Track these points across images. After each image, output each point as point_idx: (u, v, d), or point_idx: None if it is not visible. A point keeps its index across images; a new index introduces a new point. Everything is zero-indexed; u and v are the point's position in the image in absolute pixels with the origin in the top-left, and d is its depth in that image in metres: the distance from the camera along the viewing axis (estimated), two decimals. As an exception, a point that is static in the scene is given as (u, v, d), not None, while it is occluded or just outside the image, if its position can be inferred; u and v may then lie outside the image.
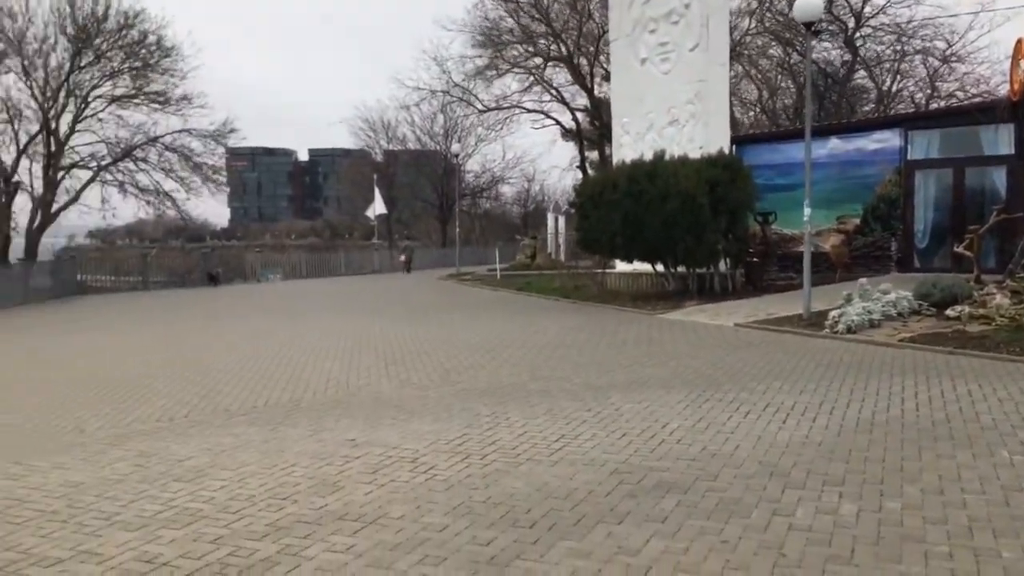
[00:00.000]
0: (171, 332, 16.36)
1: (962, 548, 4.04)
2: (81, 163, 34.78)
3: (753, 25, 34.71)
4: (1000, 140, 18.65)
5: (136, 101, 34.79)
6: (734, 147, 20.69)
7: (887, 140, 20.17)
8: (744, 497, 4.83)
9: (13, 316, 22.43)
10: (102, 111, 34.54)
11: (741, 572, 3.83)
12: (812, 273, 13.55)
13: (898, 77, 34.97)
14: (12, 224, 33.01)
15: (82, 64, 33.25)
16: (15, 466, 6.26)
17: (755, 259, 18.34)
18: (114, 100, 34.49)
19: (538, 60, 41.21)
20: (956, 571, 3.79)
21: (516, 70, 41.71)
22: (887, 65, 34.63)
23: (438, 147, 56.51)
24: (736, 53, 31.45)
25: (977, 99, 27.86)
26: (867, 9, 32.74)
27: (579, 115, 43.60)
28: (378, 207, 43.82)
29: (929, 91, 33.67)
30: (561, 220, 37.13)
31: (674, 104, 18.71)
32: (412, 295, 23.50)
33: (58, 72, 33.01)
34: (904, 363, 9.28)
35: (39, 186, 33.45)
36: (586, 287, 19.92)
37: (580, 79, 40.51)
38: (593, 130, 42.14)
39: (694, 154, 17.16)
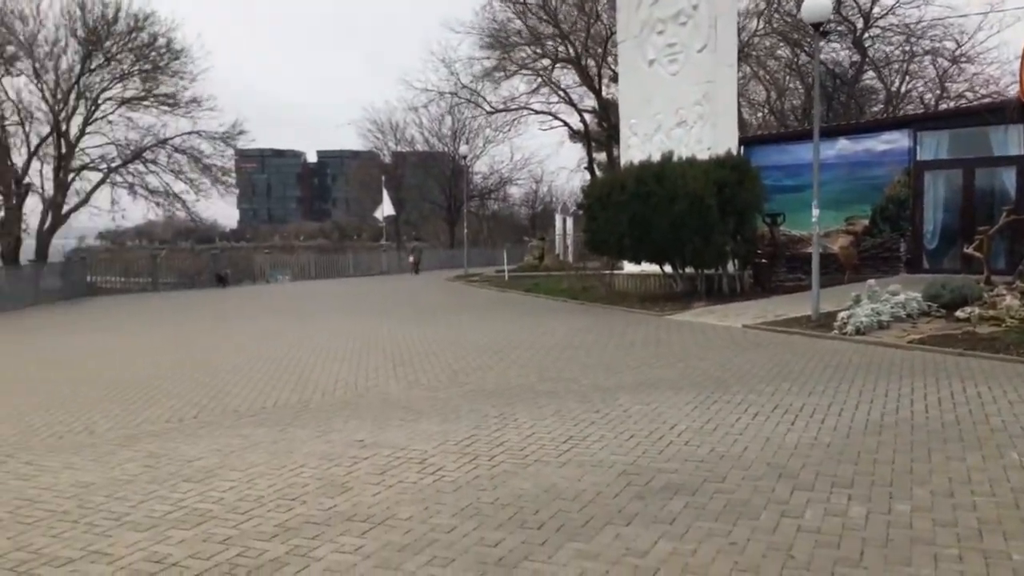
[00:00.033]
0: (180, 333, 16.42)
1: (972, 550, 4.02)
2: (91, 165, 34.90)
3: (761, 26, 34.66)
4: (1010, 141, 18.56)
5: (146, 103, 34.87)
6: (742, 148, 20.65)
7: (896, 141, 20.10)
8: (752, 499, 4.83)
9: (24, 317, 22.54)
10: (112, 113, 34.66)
11: (750, 574, 3.83)
12: (821, 274, 13.51)
13: (907, 78, 34.82)
14: (23, 226, 33.14)
15: (92, 67, 33.37)
16: (26, 466, 6.30)
17: (763, 260, 18.30)
18: (124, 102, 34.59)
19: (546, 62, 41.25)
20: (966, 574, 3.78)
21: (524, 72, 41.77)
22: (896, 66, 34.49)
23: (446, 148, 56.59)
24: (744, 54, 31.40)
25: (987, 100, 27.75)
26: (876, 10, 32.64)
27: (587, 116, 43.65)
28: (386, 208, 43.90)
29: (938, 92, 33.52)
30: (569, 221, 37.08)
31: (682, 105, 18.70)
32: (420, 296, 23.53)
33: (68, 75, 33.14)
34: (913, 365, 9.25)
35: (50, 188, 33.57)
36: (594, 288, 19.90)
37: (588, 80, 40.51)
38: (601, 131, 42.15)
39: (702, 155, 17.14)
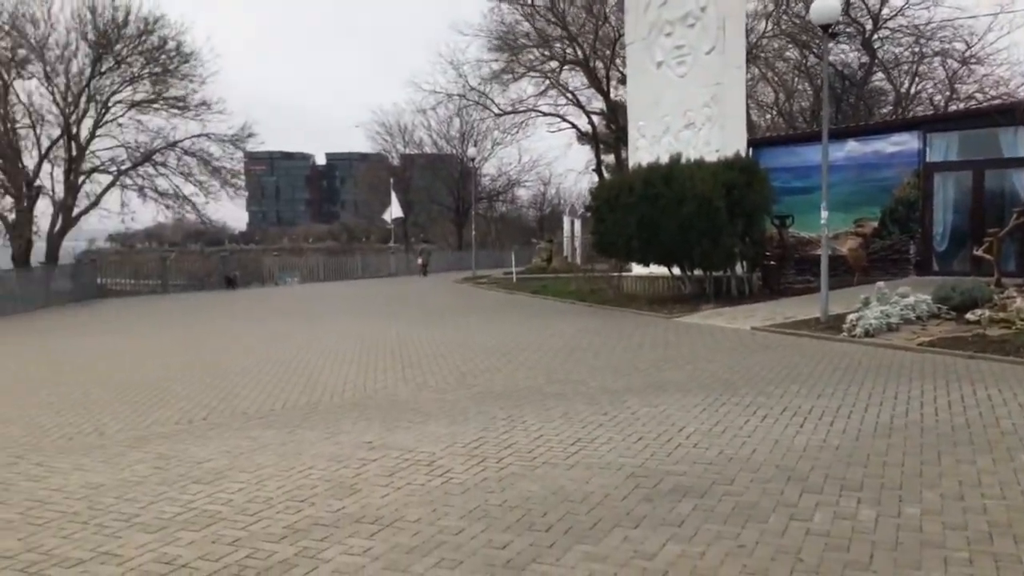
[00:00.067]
0: (190, 335, 16.49)
1: (982, 554, 4.01)
2: (101, 168, 35.06)
3: (770, 28, 34.60)
4: (1020, 142, 18.46)
5: (156, 106, 35.02)
6: (751, 150, 20.60)
7: (905, 142, 20.03)
8: (761, 501, 4.82)
9: (35, 319, 22.66)
10: (122, 116, 34.81)
11: (758, 577, 3.82)
12: (829, 276, 13.48)
13: (916, 79, 34.68)
14: (34, 228, 33.32)
15: (103, 70, 33.53)
16: (36, 468, 6.33)
17: (772, 262, 18.26)
18: (134, 105, 34.74)
19: (554, 64, 41.28)
20: (976, 577, 3.77)
21: (532, 74, 41.82)
22: (905, 67, 34.37)
23: (454, 151, 56.71)
24: (752, 56, 31.34)
25: (996, 101, 27.62)
26: (885, 11, 32.56)
27: (595, 118, 43.65)
28: (395, 211, 43.94)
29: (948, 93, 33.38)
30: (577, 223, 37.07)
31: (690, 107, 18.68)
32: (428, 298, 23.56)
33: (79, 78, 33.31)
34: (923, 367, 9.22)
35: (60, 191, 33.75)
36: (602, 290, 19.89)
37: (596, 82, 40.52)
38: (609, 133, 42.12)
39: (710, 157, 17.12)
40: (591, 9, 38.48)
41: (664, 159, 17.06)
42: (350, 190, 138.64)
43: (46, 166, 33.46)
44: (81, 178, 34.29)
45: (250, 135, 37.14)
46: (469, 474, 5.60)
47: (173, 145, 35.73)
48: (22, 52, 32.45)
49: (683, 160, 16.70)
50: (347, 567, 4.09)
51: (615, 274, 20.56)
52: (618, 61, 36.43)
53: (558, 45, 40.30)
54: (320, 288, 32.66)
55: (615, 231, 17.08)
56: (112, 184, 35.15)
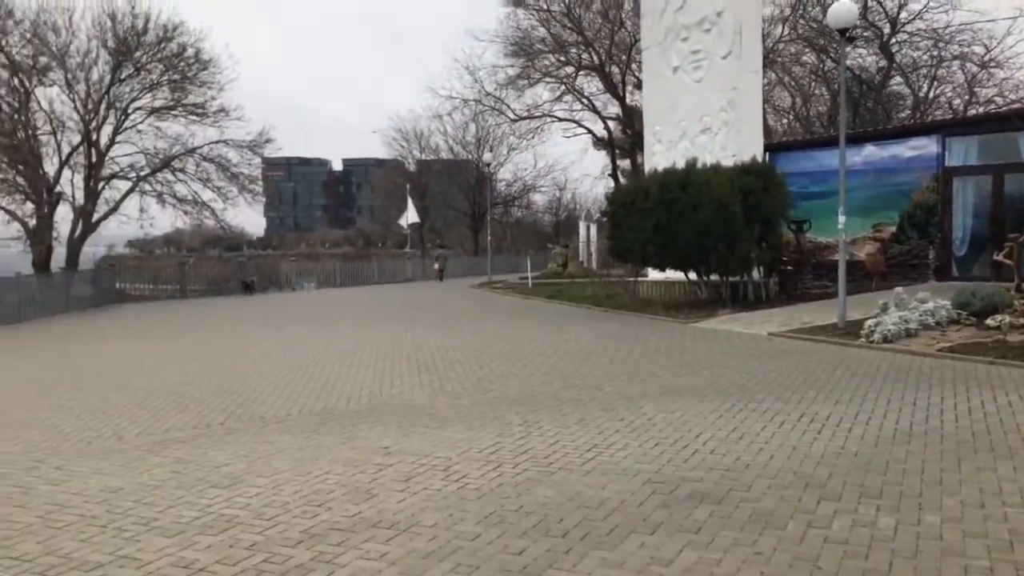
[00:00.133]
0: (208, 340, 16.59)
1: (1003, 562, 3.96)
2: (121, 174, 35.43)
3: (786, 32, 34.46)
4: (1040, 146, 18.31)
5: (174, 113, 35.36)
6: (767, 155, 20.52)
7: (924, 147, 19.88)
8: (778, 508, 4.79)
9: (55, 324, 22.88)
10: (141, 123, 35.19)
11: (776, 584, 3.80)
12: (847, 282, 13.39)
13: (935, 83, 34.44)
14: (54, 234, 33.69)
15: (122, 77, 33.90)
16: (56, 471, 6.39)
17: (789, 267, 18.17)
18: (153, 112, 35.10)
19: (570, 69, 41.31)
20: (997, 586, 3.73)
21: (548, 79, 41.86)
22: (924, 71, 34.13)
23: (470, 156, 56.84)
24: (769, 60, 31.23)
25: (1016, 105, 27.40)
26: (903, 15, 32.36)
27: (611, 124, 43.62)
28: (411, 216, 44.11)
29: (967, 97, 33.14)
30: (593, 228, 37.07)
31: (707, 112, 18.64)
32: (444, 303, 23.59)
33: (99, 85, 33.69)
34: (943, 373, 9.13)
35: (80, 196, 34.14)
36: (618, 296, 19.85)
37: (612, 88, 40.50)
38: (625, 138, 42.08)
39: (727, 162, 17.06)
40: (607, 14, 38.50)
41: (680, 164, 17.02)
42: (367, 196, 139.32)
43: (66, 172, 33.91)
44: (101, 184, 34.66)
45: (268, 141, 37.45)
46: (485, 479, 5.60)
47: (192, 151, 36.06)
48: (43, 60, 32.90)
49: (699, 165, 16.65)
50: (363, 572, 4.10)
51: (631, 279, 20.53)
52: (634, 66, 36.39)
53: (574, 50, 40.34)
54: (337, 293, 32.79)
55: (631, 236, 17.05)
56: (131, 190, 35.51)
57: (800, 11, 33.46)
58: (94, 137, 33.86)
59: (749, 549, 4.19)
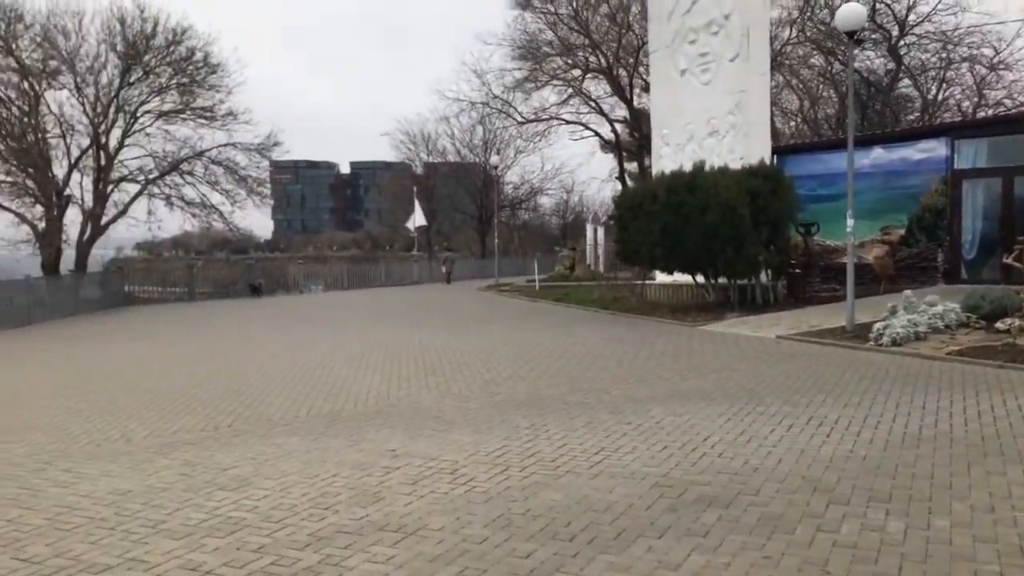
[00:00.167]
0: (215, 343, 16.63)
1: (1013, 567, 3.94)
2: (129, 177, 35.59)
3: (794, 35, 34.42)
4: (1050, 148, 18.22)
5: (183, 116, 35.52)
6: (775, 157, 20.46)
7: (933, 149, 19.80)
8: (787, 512, 4.77)
9: (64, 326, 22.97)
10: (150, 126, 35.37)
11: (784, 589, 3.78)
12: (856, 285, 13.34)
13: (944, 85, 34.37)
14: (63, 237, 33.86)
15: (131, 80, 34.08)
16: (65, 474, 6.41)
17: (797, 270, 18.12)
18: (162, 115, 35.26)
19: (577, 72, 41.35)
20: (1007, 591, 3.70)
21: (555, 82, 41.89)
22: (932, 73, 34.06)
23: (477, 159, 56.85)
24: (777, 63, 31.18)
25: (1026, 107, 27.27)
26: (911, 17, 32.30)
27: (618, 126, 43.61)
28: (418, 219, 44.14)
29: (976, 99, 33.05)
30: (600, 231, 37.02)
31: (714, 115, 18.60)
32: (452, 306, 23.60)
33: (108, 88, 33.88)
34: (952, 377, 9.09)
35: (89, 199, 34.31)
36: (625, 299, 19.83)
37: (619, 90, 40.51)
38: (632, 141, 42.08)
39: (734, 165, 17.02)
40: (614, 17, 38.52)
41: (688, 167, 17.00)
42: (374, 198, 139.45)
43: (75, 175, 34.10)
44: (109, 187, 34.82)
45: (276, 144, 37.57)
46: (492, 483, 5.59)
47: (200, 154, 36.21)
48: (53, 63, 33.10)
49: (707, 168, 16.62)
50: (371, 575, 4.10)
51: (638, 282, 20.49)
52: (641, 69, 36.38)
53: (581, 53, 40.37)
54: (344, 296, 32.84)
55: (638, 239, 17.02)
56: (140, 193, 35.67)
57: (808, 13, 33.43)
58: (103, 140, 34.03)
59: (757, 553, 4.18)
